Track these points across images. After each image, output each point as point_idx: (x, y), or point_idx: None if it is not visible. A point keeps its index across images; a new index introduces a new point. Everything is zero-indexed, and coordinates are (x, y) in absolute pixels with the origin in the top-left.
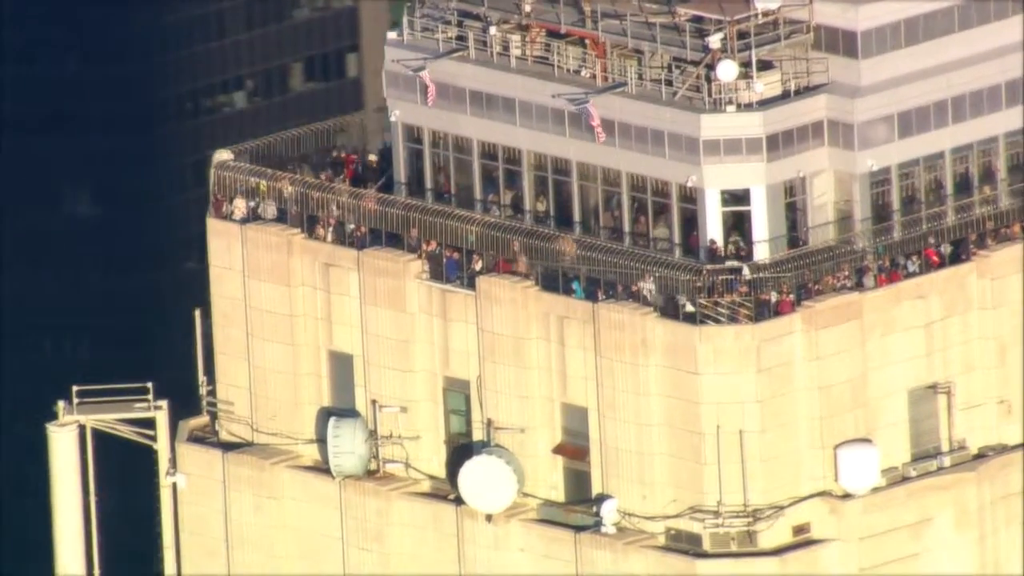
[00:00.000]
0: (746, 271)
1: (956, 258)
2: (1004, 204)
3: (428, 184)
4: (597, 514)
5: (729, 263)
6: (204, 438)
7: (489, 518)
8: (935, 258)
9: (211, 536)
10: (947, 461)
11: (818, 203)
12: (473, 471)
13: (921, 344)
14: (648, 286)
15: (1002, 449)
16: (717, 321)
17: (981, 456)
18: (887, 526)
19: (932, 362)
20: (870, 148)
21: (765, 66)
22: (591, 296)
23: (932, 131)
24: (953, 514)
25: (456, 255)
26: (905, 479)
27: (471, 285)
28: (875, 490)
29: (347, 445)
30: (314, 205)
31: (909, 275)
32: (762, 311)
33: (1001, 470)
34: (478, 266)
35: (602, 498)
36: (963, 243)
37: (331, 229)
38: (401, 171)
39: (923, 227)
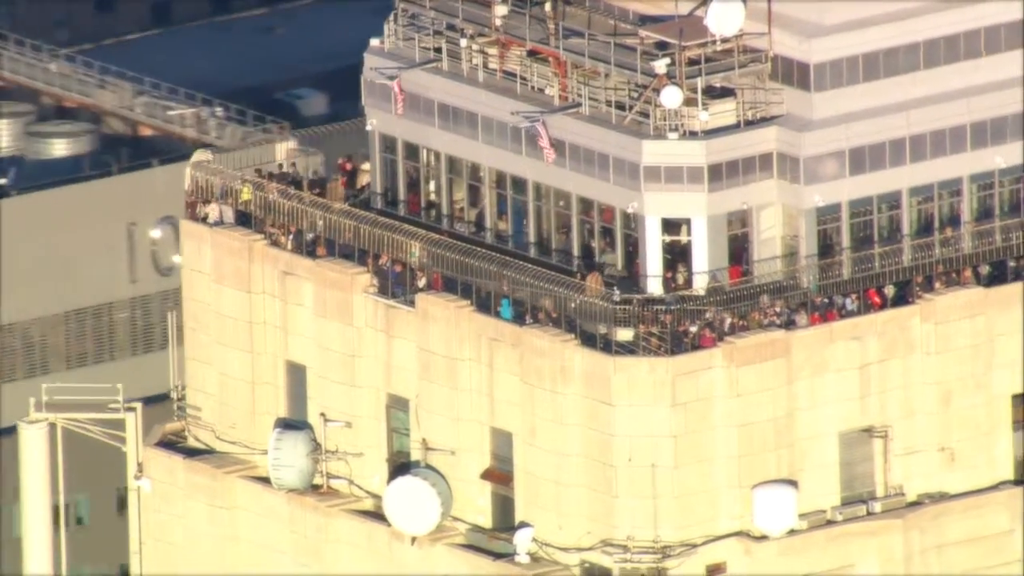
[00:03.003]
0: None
1: (902, 300)
2: (966, 248)
3: (401, 195)
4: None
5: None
6: (175, 443)
7: (413, 540)
8: (876, 299)
9: (170, 543)
10: (878, 507)
11: (765, 237)
12: (399, 492)
13: (855, 386)
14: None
15: (941, 497)
16: (632, 352)
17: (917, 504)
18: (804, 570)
19: (867, 405)
20: (818, 183)
21: (725, 93)
22: (520, 318)
23: (887, 169)
24: (877, 562)
25: (400, 269)
26: (829, 523)
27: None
28: (794, 532)
29: (288, 458)
30: (276, 212)
31: (848, 314)
32: (681, 344)
33: (935, 519)
34: (421, 283)
35: (522, 526)
36: (908, 285)
37: (291, 237)
38: (377, 181)
39: (875, 266)
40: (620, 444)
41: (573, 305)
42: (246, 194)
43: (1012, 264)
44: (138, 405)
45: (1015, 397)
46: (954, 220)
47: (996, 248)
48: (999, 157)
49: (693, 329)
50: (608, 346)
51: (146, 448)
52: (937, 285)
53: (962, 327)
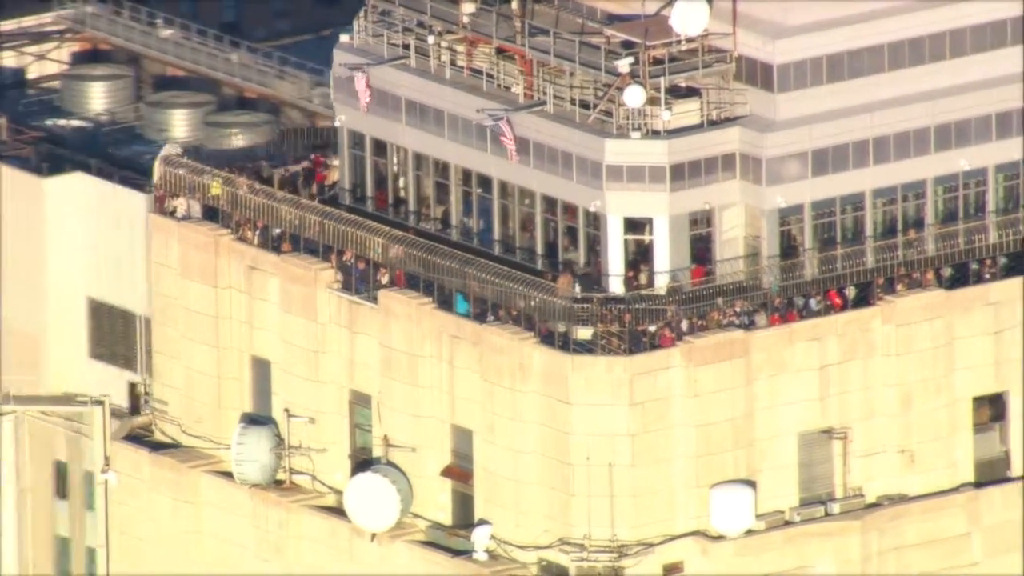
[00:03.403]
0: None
1: (863, 302)
2: (929, 250)
3: (369, 192)
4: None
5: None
6: (142, 437)
7: (373, 537)
8: (837, 300)
9: (137, 536)
10: (836, 508)
11: (728, 237)
12: (358, 489)
13: (814, 387)
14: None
15: (900, 499)
16: (591, 351)
17: (876, 505)
18: (761, 570)
19: (826, 406)
20: (780, 184)
21: (691, 93)
22: (482, 315)
23: (850, 171)
24: (834, 563)
25: (363, 266)
26: (787, 524)
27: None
28: (751, 533)
29: (251, 453)
30: (242, 207)
31: (812, 315)
32: (639, 344)
33: (893, 521)
34: (384, 279)
35: (481, 523)
36: (870, 287)
37: (258, 232)
38: (346, 177)
39: (838, 267)
40: (577, 443)
41: (533, 303)
42: (215, 188)
43: (974, 267)
44: (105, 399)
45: (976, 400)
46: (918, 222)
47: (959, 251)
48: (963, 160)
49: (652, 329)
50: (567, 344)
51: (113, 442)
52: (899, 287)
53: (923, 329)
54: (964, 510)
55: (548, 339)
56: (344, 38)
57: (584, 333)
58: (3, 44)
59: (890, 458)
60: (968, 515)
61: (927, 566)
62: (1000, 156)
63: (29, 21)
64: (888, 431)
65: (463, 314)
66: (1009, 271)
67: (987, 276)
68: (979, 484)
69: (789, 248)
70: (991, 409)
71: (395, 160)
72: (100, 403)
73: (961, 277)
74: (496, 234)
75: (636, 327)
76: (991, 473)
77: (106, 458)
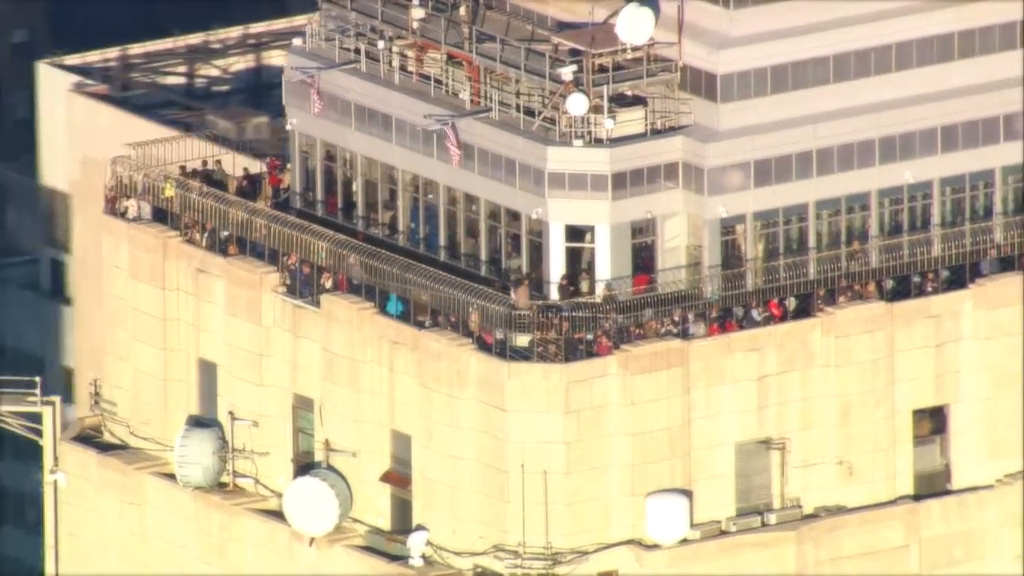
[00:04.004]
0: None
1: (803, 313)
2: (873, 262)
3: (319, 195)
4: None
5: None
6: (92, 438)
7: (311, 541)
8: (776, 311)
9: (84, 538)
10: (773, 518)
11: (670, 246)
12: (297, 493)
13: (752, 397)
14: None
15: (838, 511)
16: (527, 359)
17: (814, 516)
18: None
19: (764, 417)
20: (722, 194)
21: (637, 102)
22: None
23: (794, 182)
24: (769, 573)
25: (307, 270)
26: (723, 533)
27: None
28: (686, 542)
29: (194, 456)
30: (191, 209)
31: (753, 325)
32: (575, 352)
33: (830, 532)
34: (327, 283)
35: (417, 529)
36: (810, 298)
37: (206, 235)
38: (296, 181)
39: (780, 278)
40: (513, 450)
41: (471, 310)
42: (169, 191)
43: (916, 280)
44: (56, 399)
45: (916, 412)
46: (862, 234)
47: (903, 263)
48: (908, 172)
49: (589, 337)
50: (504, 351)
51: (61, 442)
52: (840, 299)
53: (862, 341)
54: (902, 522)
55: (485, 346)
56: (297, 42)
57: (522, 340)
58: (272, 43)
59: (829, 469)
60: (906, 527)
61: None
62: (946, 169)
63: (300, 20)
64: (827, 442)
65: (395, 314)
66: (951, 284)
67: (929, 289)
68: (919, 497)
69: (733, 258)
70: (932, 422)
71: (344, 165)
72: (50, 404)
73: (903, 290)
74: (442, 240)
75: (573, 335)
76: (931, 486)
77: (55, 458)
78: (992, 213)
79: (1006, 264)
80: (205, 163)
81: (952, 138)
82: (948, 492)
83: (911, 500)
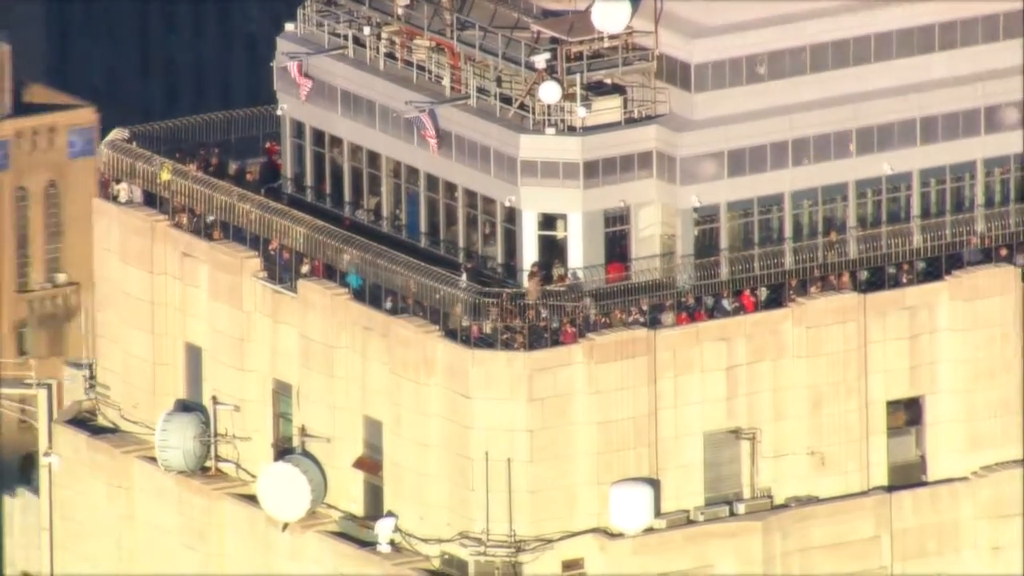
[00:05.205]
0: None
1: (774, 303)
2: (851, 253)
3: (309, 181)
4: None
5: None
6: (87, 421)
7: (285, 527)
8: (748, 301)
9: (76, 520)
10: (742, 508)
11: (644, 235)
12: (271, 478)
13: (721, 387)
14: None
15: (808, 501)
16: (492, 346)
17: (784, 506)
18: (660, 569)
19: (734, 406)
20: (695, 184)
21: (616, 90)
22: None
23: (768, 172)
24: (735, 563)
25: (287, 255)
26: (690, 523)
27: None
28: (651, 531)
29: (174, 440)
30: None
31: (724, 315)
32: (540, 339)
33: (799, 522)
34: (305, 268)
35: (386, 516)
36: (782, 288)
37: (195, 219)
38: (288, 166)
39: (754, 268)
40: (477, 437)
41: (438, 296)
42: (165, 174)
43: (892, 271)
44: (52, 381)
45: (890, 403)
46: (840, 225)
47: (881, 254)
48: (886, 164)
49: (555, 325)
50: (469, 338)
51: (55, 425)
52: (812, 289)
53: (834, 332)
54: (872, 513)
55: (452, 333)
56: (289, 27)
57: (488, 327)
58: None
59: (800, 460)
60: (877, 519)
61: (834, 568)
62: (925, 161)
63: None
64: (798, 433)
65: (355, 287)
66: (927, 276)
67: (904, 281)
68: (892, 488)
69: (709, 248)
70: (906, 413)
71: (333, 150)
72: (45, 386)
73: (877, 281)
74: (423, 226)
75: (539, 323)
76: (905, 477)
77: (49, 441)
78: (973, 205)
79: (989, 255)
80: (203, 146)
81: (931, 129)
82: (923, 484)
83: (884, 491)
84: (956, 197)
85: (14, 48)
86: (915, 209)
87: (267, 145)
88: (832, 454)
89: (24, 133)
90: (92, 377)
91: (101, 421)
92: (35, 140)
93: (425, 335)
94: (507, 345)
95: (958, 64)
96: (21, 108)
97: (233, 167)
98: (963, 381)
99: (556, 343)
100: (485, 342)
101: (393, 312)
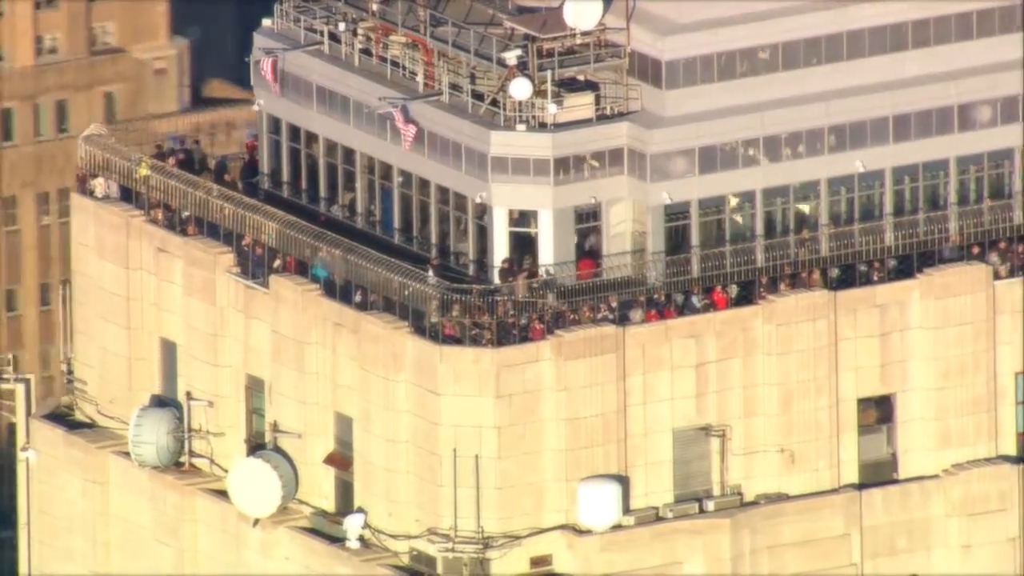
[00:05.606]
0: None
1: (745, 300)
2: (823, 250)
3: (285, 177)
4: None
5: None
6: (65, 416)
7: (256, 522)
8: (719, 298)
9: (53, 516)
10: (711, 505)
11: (616, 232)
12: (242, 474)
13: (691, 384)
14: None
15: (778, 498)
16: (460, 342)
17: (754, 504)
18: (628, 566)
19: (704, 404)
20: (666, 180)
21: (589, 87)
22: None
23: (740, 169)
24: (704, 560)
25: (260, 251)
26: (659, 519)
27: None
28: (619, 528)
29: (147, 435)
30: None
31: (694, 312)
32: (508, 336)
33: (769, 520)
34: (276, 264)
35: (355, 512)
36: (752, 285)
37: (170, 214)
38: (265, 162)
39: (726, 265)
40: (445, 433)
41: (407, 292)
42: (143, 170)
43: (863, 269)
44: (31, 376)
45: (861, 401)
46: (812, 222)
47: (854, 252)
48: (859, 161)
49: (524, 322)
50: (437, 335)
51: (33, 420)
52: (782, 286)
53: (804, 329)
54: (842, 511)
55: (420, 329)
56: (266, 22)
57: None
58: None
59: (771, 457)
60: (846, 516)
61: (803, 566)
62: (898, 158)
63: None
64: (768, 430)
65: (320, 279)
66: (899, 274)
67: (875, 278)
68: (863, 486)
69: (680, 245)
70: (877, 411)
71: (309, 146)
72: (23, 381)
73: (848, 278)
74: (397, 222)
75: (507, 319)
76: (877, 475)
77: (27, 436)
78: (947, 203)
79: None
80: (183, 141)
81: (904, 127)
82: (894, 481)
83: (854, 489)
84: (929, 195)
85: (204, 44)
86: (888, 207)
87: (247, 141)
88: (802, 452)
89: (202, 127)
90: (70, 372)
91: (79, 416)
92: (213, 134)
93: (394, 331)
94: (475, 341)
95: (931, 62)
96: (200, 102)
97: (213, 162)
98: (934, 379)
99: (525, 339)
100: (455, 339)
101: (363, 308)
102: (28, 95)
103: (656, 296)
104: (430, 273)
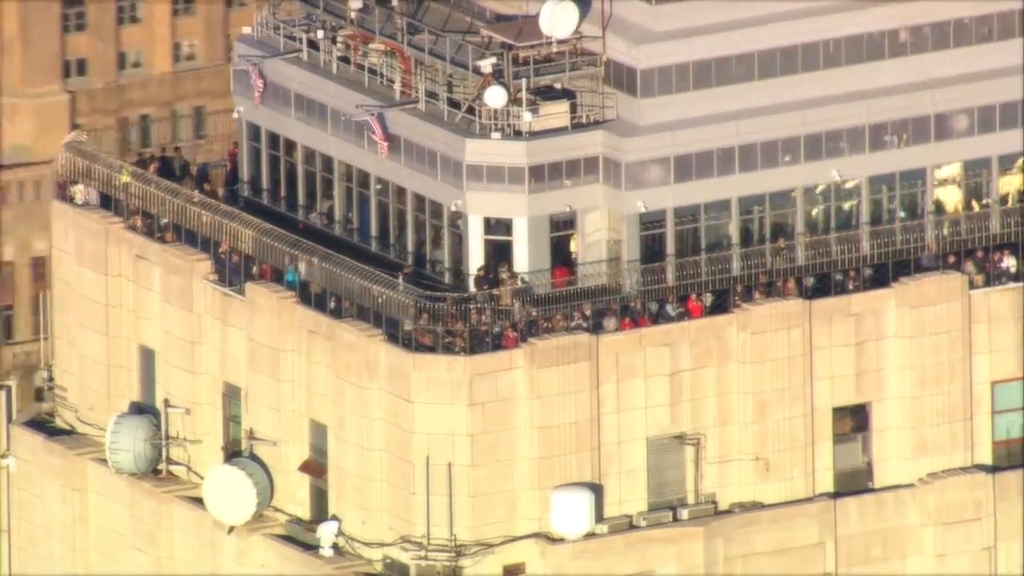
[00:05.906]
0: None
1: (719, 309)
2: (799, 259)
3: (265, 184)
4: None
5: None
6: (46, 422)
7: (231, 530)
8: (693, 306)
9: (33, 522)
10: (685, 514)
11: (591, 240)
12: (217, 482)
13: (665, 393)
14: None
15: (752, 507)
16: (433, 350)
17: (727, 512)
18: (601, 572)
19: (678, 412)
20: (641, 189)
21: (564, 95)
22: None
23: (715, 178)
24: (677, 568)
25: (237, 258)
26: (632, 528)
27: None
28: (593, 536)
29: (124, 443)
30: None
31: (668, 321)
32: (482, 344)
33: (743, 528)
34: (255, 271)
35: (328, 520)
36: (727, 294)
37: (149, 221)
38: (244, 169)
39: (701, 273)
40: (418, 441)
41: (380, 300)
42: (125, 177)
43: (839, 278)
44: (11, 383)
45: (836, 410)
46: (788, 231)
47: (830, 261)
48: (835, 171)
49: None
50: (411, 342)
51: (13, 427)
52: (756, 295)
53: (779, 338)
54: (816, 520)
55: (394, 337)
56: (246, 30)
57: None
58: None
59: (745, 466)
60: (821, 524)
61: (777, 574)
62: (874, 167)
63: None
64: (743, 439)
65: (294, 283)
66: (874, 283)
67: (851, 287)
68: (838, 494)
69: (655, 253)
70: (853, 420)
71: (288, 153)
72: (4, 388)
73: (823, 287)
74: (374, 230)
75: (480, 327)
76: (852, 484)
77: (7, 442)
78: (924, 212)
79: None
80: (163, 149)
81: (879, 136)
82: (869, 490)
83: (829, 498)
84: (906, 204)
85: None
86: (864, 216)
87: (230, 149)
88: (777, 460)
89: None
90: (51, 379)
91: (59, 423)
92: None
93: (368, 339)
94: (448, 349)
95: (907, 71)
96: None
97: (194, 169)
98: (909, 388)
99: (498, 347)
100: (428, 347)
101: (337, 315)
102: (165, 101)
103: (631, 304)
104: (400, 280)
